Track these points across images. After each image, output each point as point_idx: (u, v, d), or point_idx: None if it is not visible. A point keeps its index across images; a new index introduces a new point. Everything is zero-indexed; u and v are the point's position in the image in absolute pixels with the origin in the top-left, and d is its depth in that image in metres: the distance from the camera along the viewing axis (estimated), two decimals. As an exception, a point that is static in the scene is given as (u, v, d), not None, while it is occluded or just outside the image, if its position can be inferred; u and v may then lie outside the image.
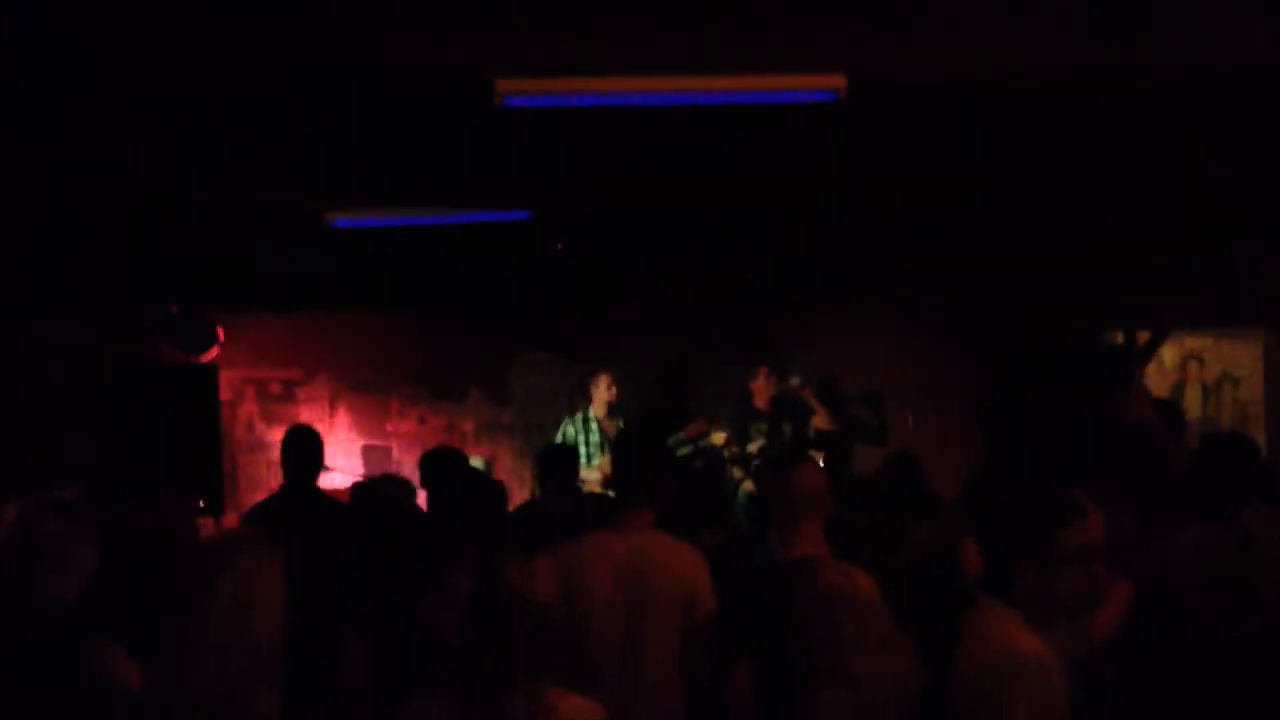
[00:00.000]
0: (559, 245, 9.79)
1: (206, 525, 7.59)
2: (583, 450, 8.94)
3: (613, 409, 9.26)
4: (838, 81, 5.38)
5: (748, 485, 9.28)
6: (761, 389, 9.65)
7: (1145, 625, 3.99)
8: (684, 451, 9.40)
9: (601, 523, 4.44)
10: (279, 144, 6.63)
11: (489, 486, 5.73)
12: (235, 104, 5.96)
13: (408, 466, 9.88)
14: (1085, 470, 5.48)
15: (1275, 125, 5.81)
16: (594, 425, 9.11)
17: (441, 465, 6.06)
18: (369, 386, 10.27)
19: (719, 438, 9.44)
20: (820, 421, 9.22)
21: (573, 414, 9.37)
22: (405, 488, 5.02)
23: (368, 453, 10.44)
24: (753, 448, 9.56)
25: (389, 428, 10.58)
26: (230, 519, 8.34)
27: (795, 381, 10.26)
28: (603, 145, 6.34)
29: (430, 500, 5.95)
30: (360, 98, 5.90)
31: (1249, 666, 3.74)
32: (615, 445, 4.85)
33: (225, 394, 9.86)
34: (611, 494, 5.56)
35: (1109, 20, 4.73)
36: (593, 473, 8.69)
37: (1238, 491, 4.94)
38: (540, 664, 2.86)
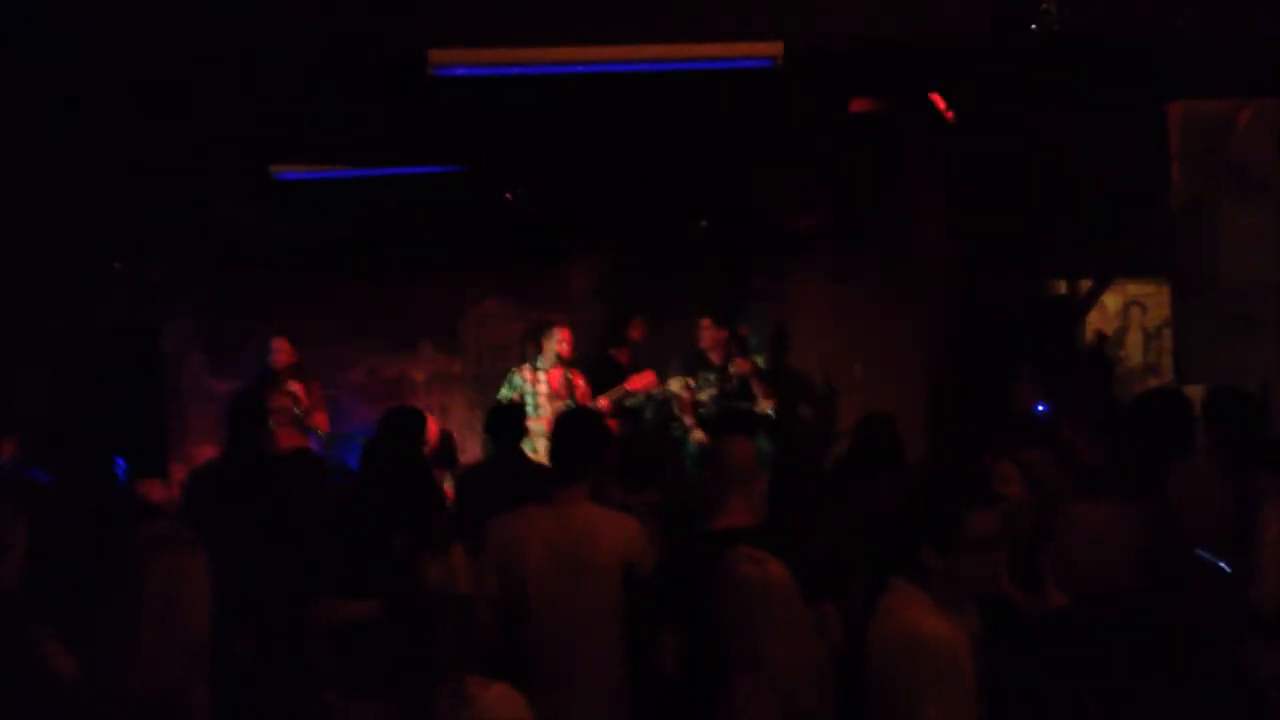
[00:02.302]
0: (508, 195, 9.78)
1: (152, 486, 7.61)
2: (530, 401, 9.00)
3: (564, 361, 9.28)
4: (774, 49, 5.43)
5: (698, 434, 9.36)
6: (707, 339, 9.71)
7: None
8: (634, 402, 9.49)
9: (536, 498, 4.48)
10: (228, 104, 6.65)
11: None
12: (189, 65, 5.99)
13: (357, 418, 9.92)
14: (1021, 436, 5.60)
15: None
16: (542, 376, 9.14)
17: (397, 428, 6.13)
18: (319, 338, 10.22)
19: (677, 385, 9.51)
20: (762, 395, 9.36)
21: (521, 364, 9.41)
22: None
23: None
24: (703, 395, 9.65)
25: (339, 378, 10.57)
26: (177, 472, 8.37)
27: (744, 332, 10.38)
28: (537, 110, 6.36)
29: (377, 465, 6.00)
30: (303, 62, 5.92)
31: (1157, 649, 3.85)
32: (555, 421, 4.88)
33: (172, 346, 9.83)
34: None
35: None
36: (538, 424, 8.73)
37: (1164, 454, 5.06)
38: (462, 657, 2.91)
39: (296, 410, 8.58)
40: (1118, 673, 3.77)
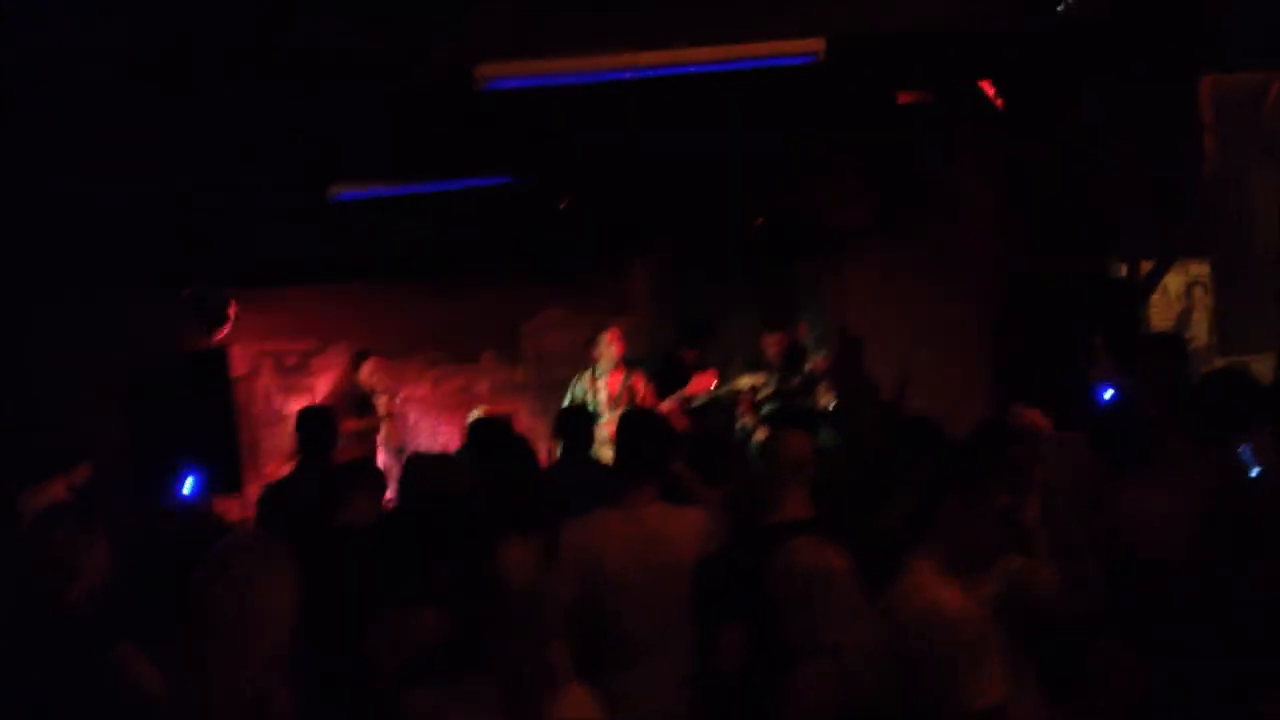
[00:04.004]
0: (564, 203, 9.86)
1: (229, 506, 7.79)
2: (591, 409, 9.06)
3: (625, 362, 9.33)
4: (817, 45, 5.46)
5: (760, 434, 9.40)
6: (771, 341, 9.78)
7: (1114, 570, 4.12)
8: (699, 402, 9.54)
9: (607, 501, 4.53)
10: (283, 128, 6.80)
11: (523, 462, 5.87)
12: (244, 91, 6.13)
13: (424, 431, 10.07)
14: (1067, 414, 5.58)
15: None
16: (602, 383, 9.19)
17: (486, 437, 6.30)
18: (383, 353, 10.37)
19: (745, 382, 9.58)
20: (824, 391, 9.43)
21: (583, 371, 9.48)
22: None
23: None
24: (763, 395, 9.71)
25: (404, 393, 10.71)
26: (252, 491, 8.54)
27: (803, 330, 10.43)
28: (587, 118, 6.43)
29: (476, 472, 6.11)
30: (358, 84, 6.04)
31: (1211, 617, 3.84)
32: (619, 423, 4.93)
33: (242, 369, 10.02)
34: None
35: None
36: (601, 430, 8.79)
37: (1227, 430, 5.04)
38: (532, 654, 2.95)
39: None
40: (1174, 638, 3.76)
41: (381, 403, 9.32)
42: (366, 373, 9.44)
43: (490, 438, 6.31)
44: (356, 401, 9.37)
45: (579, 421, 6.70)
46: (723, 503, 5.18)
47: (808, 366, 9.71)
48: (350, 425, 9.18)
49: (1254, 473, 4.51)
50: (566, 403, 9.05)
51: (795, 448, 4.39)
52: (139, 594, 3.93)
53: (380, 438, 9.18)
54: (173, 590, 3.32)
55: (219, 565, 3.06)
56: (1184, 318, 10.65)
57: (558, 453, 6.89)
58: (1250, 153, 6.14)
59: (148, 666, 3.52)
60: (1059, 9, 4.86)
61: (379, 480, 5.41)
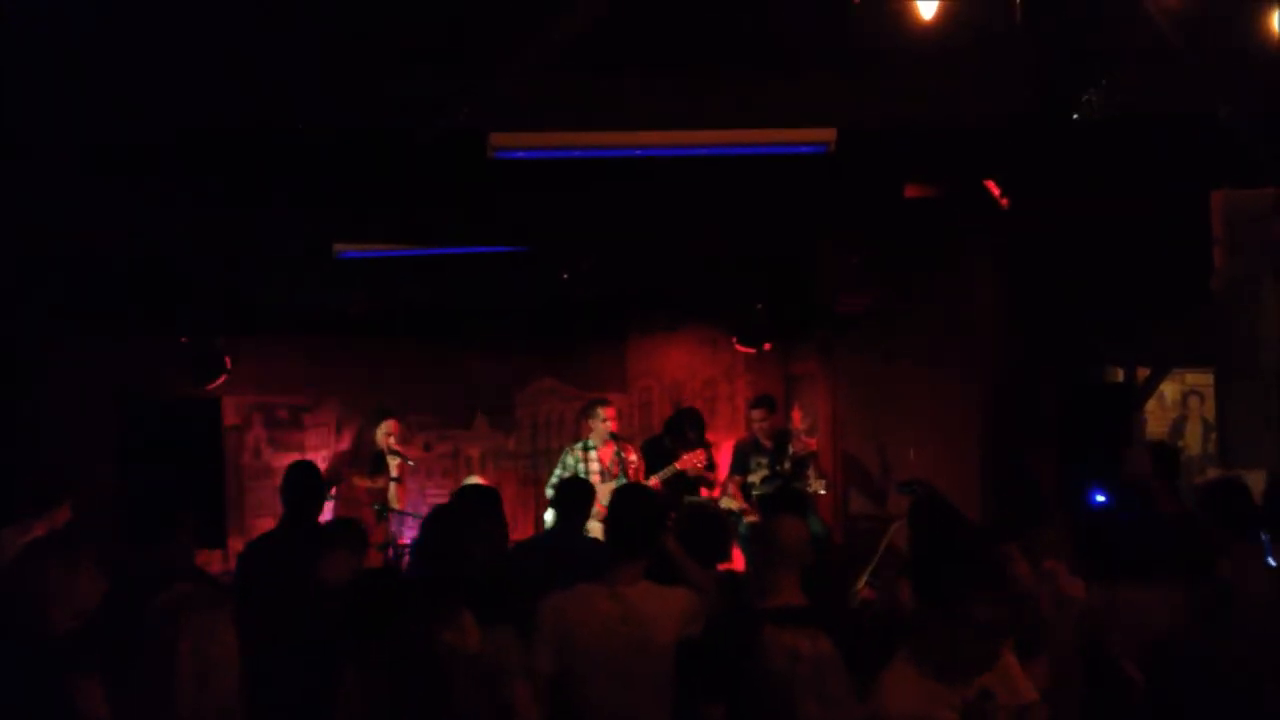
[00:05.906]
0: (564, 275, 9.91)
1: (210, 557, 7.71)
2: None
3: (616, 438, 9.32)
4: (828, 135, 5.52)
5: (751, 516, 9.37)
6: (761, 424, 9.78)
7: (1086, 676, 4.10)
8: (695, 474, 9.50)
9: (591, 575, 4.50)
10: (292, 183, 6.84)
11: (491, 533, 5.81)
12: (255, 146, 6.18)
13: (412, 491, 10.01)
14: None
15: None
16: (594, 455, 9.17)
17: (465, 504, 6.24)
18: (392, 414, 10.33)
19: (730, 503, 9.56)
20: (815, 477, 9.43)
21: (574, 443, 9.47)
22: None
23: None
24: (754, 479, 9.69)
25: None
26: (234, 543, 8.48)
27: (797, 414, 10.43)
28: (594, 192, 6.48)
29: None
30: (365, 147, 6.08)
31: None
32: (612, 499, 4.91)
33: (233, 419, 10.00)
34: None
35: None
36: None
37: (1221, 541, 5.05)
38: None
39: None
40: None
41: (395, 465, 9.30)
42: (384, 433, 9.43)
43: (467, 505, 6.22)
44: (370, 461, 9.35)
45: (576, 493, 6.62)
46: (717, 584, 5.13)
47: (796, 450, 9.69)
48: (361, 484, 9.20)
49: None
50: (557, 473, 9.02)
51: (791, 534, 4.36)
52: (109, 629, 3.90)
53: (388, 499, 9.17)
54: (129, 630, 3.30)
55: (175, 615, 3.03)
56: (1178, 426, 10.71)
57: (549, 523, 6.86)
58: (1260, 267, 6.20)
59: (99, 698, 3.49)
60: (1084, 101, 4.91)
61: (359, 539, 5.37)
